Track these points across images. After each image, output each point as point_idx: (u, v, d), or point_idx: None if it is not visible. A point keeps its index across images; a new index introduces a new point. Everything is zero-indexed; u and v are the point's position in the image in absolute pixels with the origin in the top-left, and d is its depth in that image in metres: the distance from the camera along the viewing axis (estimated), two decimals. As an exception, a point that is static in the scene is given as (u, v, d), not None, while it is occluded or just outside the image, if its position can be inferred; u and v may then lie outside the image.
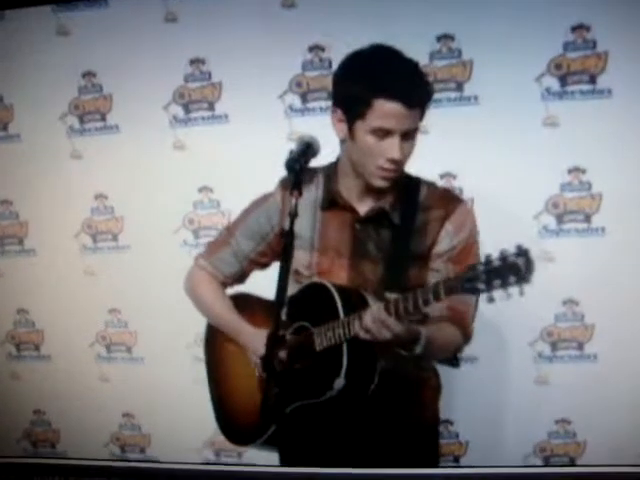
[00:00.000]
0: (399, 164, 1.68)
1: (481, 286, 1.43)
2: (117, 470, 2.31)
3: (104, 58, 2.72)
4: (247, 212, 1.91)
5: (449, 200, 1.79)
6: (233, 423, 1.93)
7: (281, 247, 1.70)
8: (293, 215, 1.62)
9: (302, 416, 1.74)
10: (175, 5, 2.66)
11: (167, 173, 2.71)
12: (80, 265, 2.86)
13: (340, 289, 1.69)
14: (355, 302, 1.66)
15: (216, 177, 2.69)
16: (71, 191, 2.82)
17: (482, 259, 1.46)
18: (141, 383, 2.83)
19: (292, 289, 1.77)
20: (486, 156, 2.47)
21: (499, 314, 2.41)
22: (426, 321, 1.69)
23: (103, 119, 2.77)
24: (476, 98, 2.49)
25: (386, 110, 1.62)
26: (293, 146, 1.72)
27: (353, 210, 1.77)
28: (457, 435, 2.65)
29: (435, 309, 1.68)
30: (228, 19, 2.61)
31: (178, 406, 2.76)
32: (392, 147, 1.64)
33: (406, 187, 1.77)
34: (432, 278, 1.72)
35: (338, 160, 1.80)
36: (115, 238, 2.83)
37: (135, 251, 2.81)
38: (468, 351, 2.48)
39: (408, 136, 1.66)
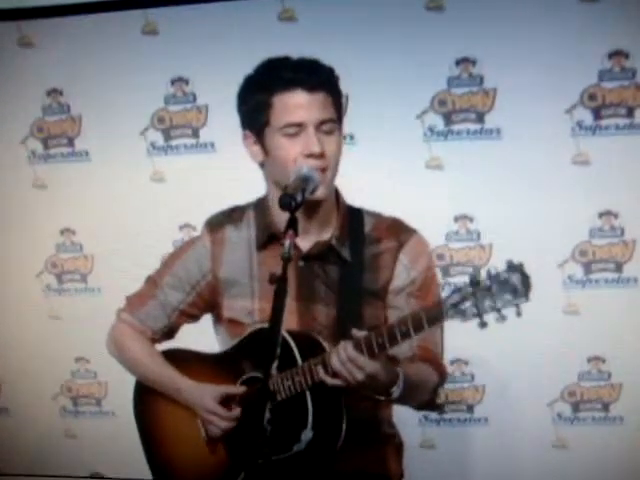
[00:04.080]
0: (322, 160, 1.54)
1: (472, 310, 1.32)
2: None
3: (72, 74, 2.59)
4: (173, 259, 1.79)
5: (400, 230, 1.68)
6: None
7: (271, 296, 1.49)
8: (287, 259, 1.42)
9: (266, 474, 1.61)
10: (156, 15, 2.53)
11: (144, 208, 2.59)
12: (43, 308, 2.73)
13: (292, 333, 1.56)
14: (311, 346, 1.54)
15: (200, 213, 2.41)
16: (33, 224, 2.69)
17: (467, 280, 1.35)
18: (111, 440, 2.66)
19: (229, 343, 1.69)
20: (507, 197, 2.37)
21: (513, 370, 2.36)
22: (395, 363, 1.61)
23: (71, 144, 2.65)
24: (498, 131, 2.39)
25: (287, 101, 1.54)
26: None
27: (294, 246, 1.62)
28: (467, 502, 2.55)
29: (404, 349, 1.59)
30: (216, 33, 2.47)
31: (153, 465, 2.59)
32: (308, 140, 1.53)
33: (350, 218, 1.67)
34: (392, 316, 1.61)
35: (267, 193, 1.69)
36: (84, 279, 2.71)
37: (106, 294, 2.64)
38: (478, 411, 2.48)
39: (326, 129, 1.55)
